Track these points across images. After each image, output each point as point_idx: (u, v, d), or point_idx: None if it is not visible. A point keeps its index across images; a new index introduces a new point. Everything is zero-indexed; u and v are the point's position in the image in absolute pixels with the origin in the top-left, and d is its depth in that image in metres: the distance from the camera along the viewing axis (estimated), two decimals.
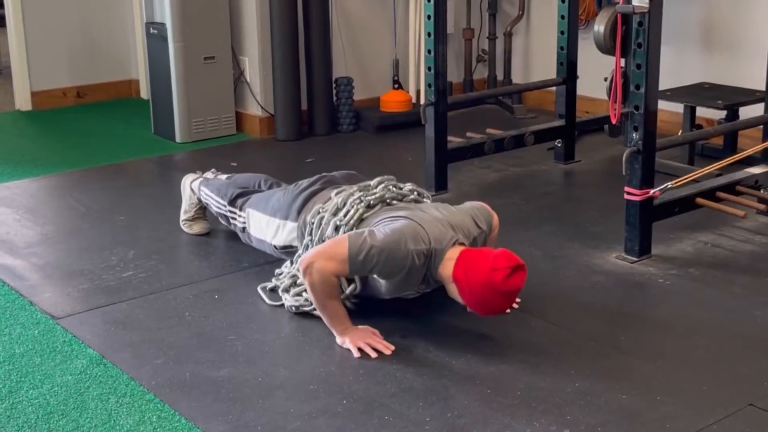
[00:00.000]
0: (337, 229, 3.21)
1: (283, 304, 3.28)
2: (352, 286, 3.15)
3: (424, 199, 3.39)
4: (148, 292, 3.47)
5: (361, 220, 3.21)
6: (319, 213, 3.28)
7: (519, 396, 2.73)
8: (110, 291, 3.48)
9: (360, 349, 2.98)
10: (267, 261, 3.66)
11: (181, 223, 4.03)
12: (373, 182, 3.36)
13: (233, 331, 3.15)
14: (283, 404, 2.71)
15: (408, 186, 3.39)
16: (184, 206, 4.02)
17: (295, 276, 3.29)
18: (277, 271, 3.45)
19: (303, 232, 3.34)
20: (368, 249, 2.93)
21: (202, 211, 4.00)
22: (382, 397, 2.74)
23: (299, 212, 3.37)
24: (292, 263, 3.38)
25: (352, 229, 3.17)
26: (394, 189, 3.33)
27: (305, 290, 3.16)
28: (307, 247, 3.29)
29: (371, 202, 3.24)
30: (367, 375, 2.86)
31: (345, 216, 3.21)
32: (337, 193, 3.32)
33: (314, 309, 3.15)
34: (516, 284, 2.91)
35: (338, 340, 3.04)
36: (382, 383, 2.81)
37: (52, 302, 3.40)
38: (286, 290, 3.29)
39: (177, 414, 2.67)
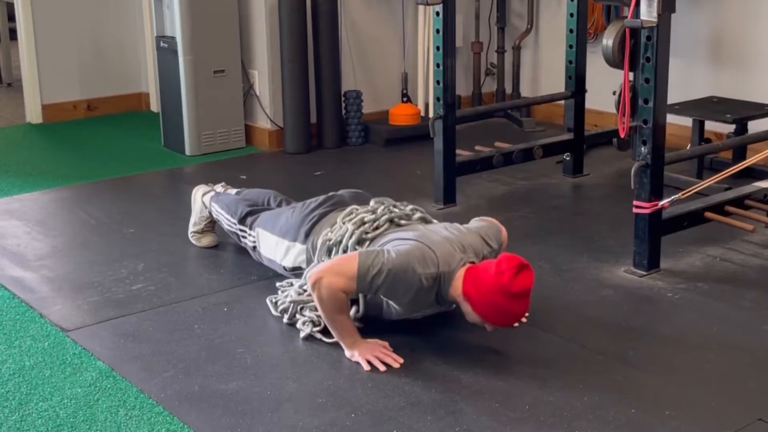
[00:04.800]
0: (345, 252, 3.21)
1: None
2: (354, 308, 3.15)
3: (433, 220, 3.39)
4: (158, 304, 3.48)
5: (369, 241, 3.21)
6: (329, 240, 3.27)
7: (527, 410, 2.73)
8: (120, 303, 3.49)
9: (369, 362, 2.98)
10: (276, 274, 3.66)
11: (190, 236, 4.04)
12: (372, 205, 3.36)
13: (242, 344, 3.16)
14: (292, 417, 2.72)
15: (409, 206, 3.39)
16: (194, 219, 4.03)
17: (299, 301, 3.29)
18: (278, 284, 3.46)
19: (312, 255, 3.34)
20: (378, 269, 2.93)
21: (211, 224, 4.01)
22: (391, 411, 2.74)
23: (307, 235, 3.38)
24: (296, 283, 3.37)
25: (356, 247, 3.18)
26: (397, 210, 3.33)
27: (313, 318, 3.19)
28: None
29: (378, 224, 3.25)
30: (375, 388, 2.86)
31: (351, 238, 3.21)
32: (343, 218, 3.31)
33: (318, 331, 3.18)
34: (524, 284, 2.90)
35: (347, 353, 3.05)
36: (391, 397, 2.81)
37: (62, 315, 3.41)
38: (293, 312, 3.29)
39: (186, 427, 2.68)
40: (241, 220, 3.71)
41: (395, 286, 2.96)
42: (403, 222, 3.29)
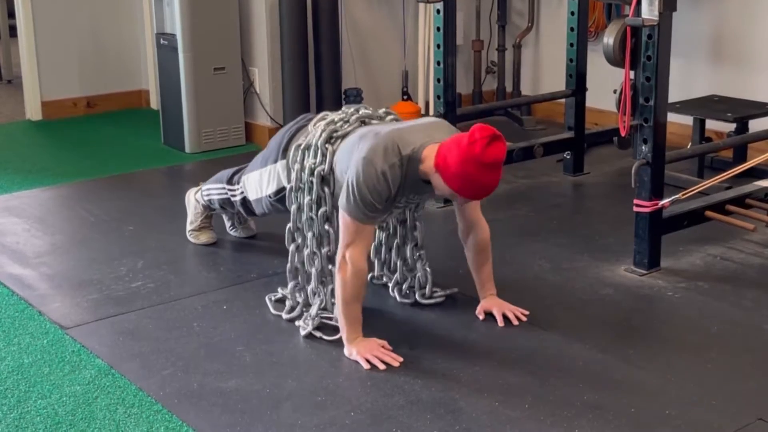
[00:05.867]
0: (315, 152, 3.18)
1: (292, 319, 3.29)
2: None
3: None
4: (157, 302, 3.48)
5: (339, 139, 3.18)
6: (300, 145, 3.25)
7: (527, 409, 2.72)
8: (119, 301, 3.49)
9: (368, 361, 2.98)
10: (275, 272, 3.66)
11: (188, 234, 4.04)
12: (343, 109, 3.36)
13: (241, 342, 3.15)
14: (291, 416, 2.71)
15: (382, 110, 3.37)
16: (190, 217, 4.03)
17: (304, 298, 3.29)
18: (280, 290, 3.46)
19: (290, 167, 3.31)
20: (359, 199, 2.93)
21: (208, 220, 4.01)
22: (390, 410, 2.73)
23: (285, 150, 3.36)
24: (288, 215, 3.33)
25: (326, 146, 3.16)
26: (369, 111, 3.30)
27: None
28: (293, 180, 3.25)
29: (349, 122, 3.23)
30: (374, 387, 2.86)
31: (320, 137, 3.18)
32: (314, 123, 3.30)
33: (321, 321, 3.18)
34: (496, 154, 2.85)
35: (346, 351, 3.04)
36: (390, 395, 2.81)
37: (61, 312, 3.41)
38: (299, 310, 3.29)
39: (185, 425, 2.67)
40: (229, 181, 3.70)
41: (382, 191, 2.95)
42: (374, 122, 3.27)
